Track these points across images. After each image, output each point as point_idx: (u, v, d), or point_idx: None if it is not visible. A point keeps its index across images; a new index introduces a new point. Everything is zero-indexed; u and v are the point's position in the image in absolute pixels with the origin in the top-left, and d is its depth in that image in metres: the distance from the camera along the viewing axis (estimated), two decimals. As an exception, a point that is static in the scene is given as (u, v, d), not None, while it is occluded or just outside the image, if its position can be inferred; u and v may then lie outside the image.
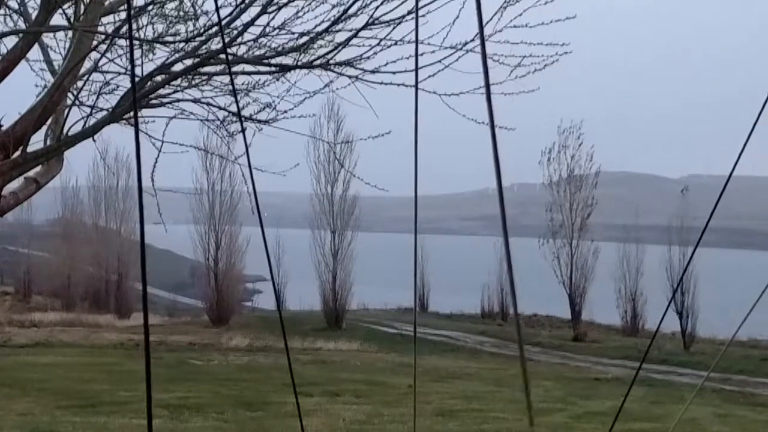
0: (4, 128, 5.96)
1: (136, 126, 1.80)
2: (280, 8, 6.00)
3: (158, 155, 6.47)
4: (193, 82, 6.70)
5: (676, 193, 36.96)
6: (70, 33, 6.46)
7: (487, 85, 1.43)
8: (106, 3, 6.40)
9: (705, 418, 14.15)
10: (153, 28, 6.64)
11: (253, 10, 5.93)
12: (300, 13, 6.06)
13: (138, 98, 6.09)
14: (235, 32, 6.00)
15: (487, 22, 5.79)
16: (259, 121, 6.71)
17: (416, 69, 3.59)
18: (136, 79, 5.75)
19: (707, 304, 33.12)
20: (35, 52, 6.58)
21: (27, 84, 6.78)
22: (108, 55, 6.54)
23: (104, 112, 6.27)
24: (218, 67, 6.49)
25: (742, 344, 30.03)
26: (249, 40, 6.18)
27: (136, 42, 6.41)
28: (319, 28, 5.99)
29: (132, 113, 6.16)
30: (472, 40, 5.86)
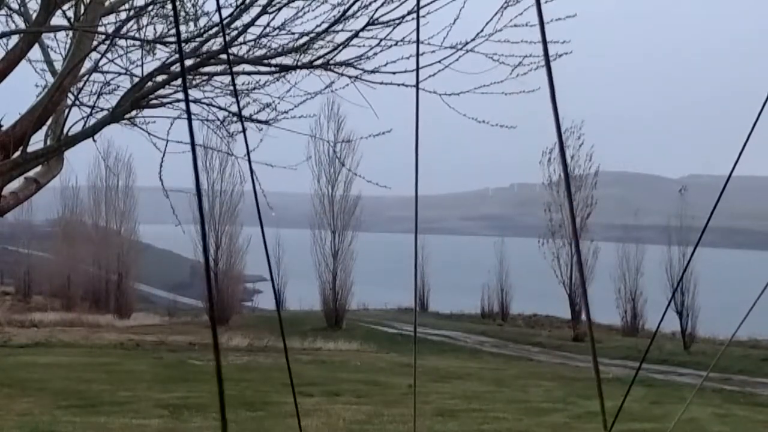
0: (4, 128, 5.96)
1: (190, 132, 1.79)
2: (280, 9, 6.00)
3: (164, 156, 6.47)
4: (194, 83, 6.70)
5: (675, 193, 36.94)
6: (70, 33, 6.47)
7: (549, 75, 1.43)
8: (106, 3, 6.41)
9: (705, 418, 14.15)
10: (153, 29, 6.65)
11: (254, 11, 5.93)
12: (300, 14, 6.06)
13: (137, 98, 6.09)
14: (236, 32, 6.00)
15: (488, 23, 5.79)
16: (260, 122, 6.71)
17: (417, 69, 3.59)
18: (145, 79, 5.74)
19: (707, 304, 33.10)
20: (36, 52, 6.59)
21: (27, 84, 6.78)
22: (108, 55, 6.54)
23: (104, 112, 6.27)
24: (218, 68, 6.48)
25: (742, 344, 30.04)
26: (249, 41, 6.18)
27: (137, 42, 6.41)
28: (320, 29, 5.99)
29: (133, 113, 6.16)
30: (473, 39, 5.87)
